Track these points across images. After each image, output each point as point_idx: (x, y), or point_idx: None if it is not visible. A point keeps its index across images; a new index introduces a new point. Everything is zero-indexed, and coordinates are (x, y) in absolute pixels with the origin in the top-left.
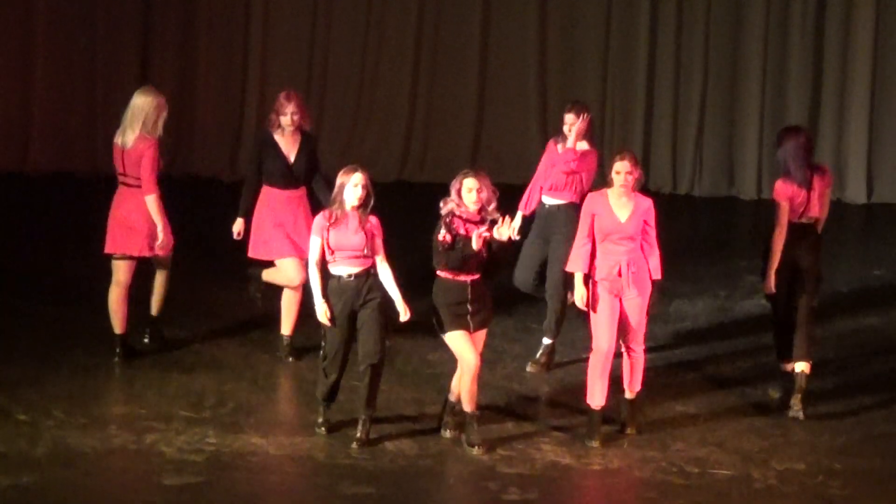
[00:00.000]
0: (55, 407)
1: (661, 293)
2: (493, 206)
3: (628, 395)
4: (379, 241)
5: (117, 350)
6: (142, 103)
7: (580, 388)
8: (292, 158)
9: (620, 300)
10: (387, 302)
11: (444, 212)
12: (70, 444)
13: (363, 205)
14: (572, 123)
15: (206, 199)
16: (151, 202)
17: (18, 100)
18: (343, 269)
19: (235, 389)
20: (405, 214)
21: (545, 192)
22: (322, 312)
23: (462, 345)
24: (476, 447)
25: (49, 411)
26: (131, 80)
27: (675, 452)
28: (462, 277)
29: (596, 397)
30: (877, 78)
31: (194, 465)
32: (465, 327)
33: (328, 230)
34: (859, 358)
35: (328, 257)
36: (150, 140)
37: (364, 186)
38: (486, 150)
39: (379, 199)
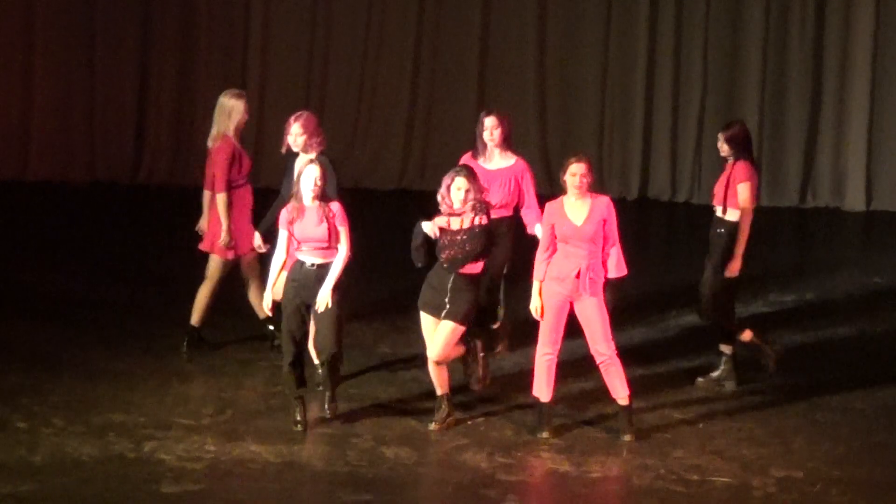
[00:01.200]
0: (54, 415)
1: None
2: (470, 203)
3: (621, 401)
4: (343, 230)
5: (185, 339)
6: (222, 103)
7: (579, 397)
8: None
9: (572, 304)
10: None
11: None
12: (69, 452)
13: (318, 197)
14: (494, 126)
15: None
16: (220, 200)
17: (18, 109)
18: (308, 257)
19: (234, 397)
20: (404, 223)
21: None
22: (267, 302)
23: (426, 331)
24: (432, 424)
25: (48, 419)
26: (130, 90)
27: (675, 460)
28: (447, 266)
29: (542, 392)
30: (876, 86)
31: (193, 473)
32: (436, 314)
33: (292, 223)
34: (859, 366)
35: (295, 247)
36: (226, 140)
37: (317, 180)
38: None
39: (378, 207)
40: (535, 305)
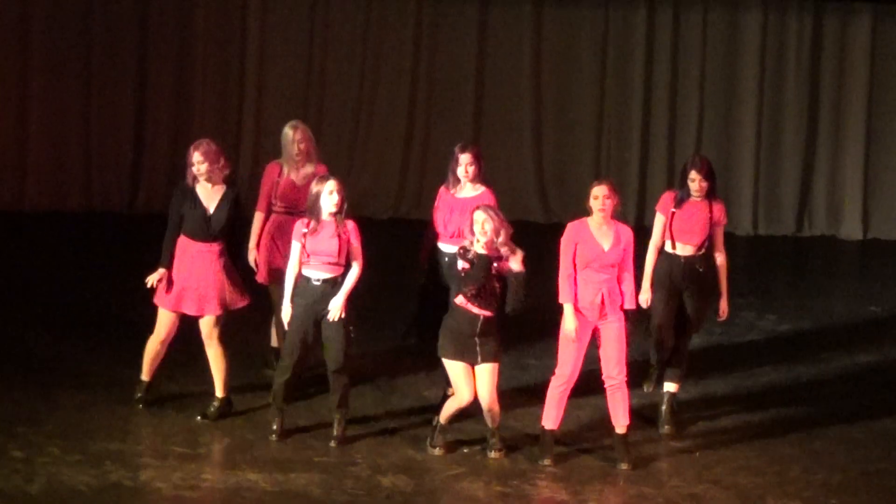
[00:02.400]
0: (50, 443)
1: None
2: (501, 238)
3: (619, 430)
4: (356, 246)
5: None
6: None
7: (576, 424)
8: (211, 210)
9: (596, 328)
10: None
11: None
12: (65, 481)
13: (339, 211)
14: (469, 163)
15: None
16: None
17: (14, 138)
18: (315, 272)
19: (230, 426)
20: (399, 252)
21: (449, 241)
22: (286, 314)
23: (460, 377)
24: (437, 448)
25: (44, 448)
26: (126, 119)
27: (672, 489)
28: (475, 310)
29: (551, 421)
30: (872, 114)
31: (190, 502)
32: (470, 360)
33: (305, 236)
34: (855, 394)
35: (304, 260)
36: (271, 163)
37: (338, 192)
38: None
39: (374, 236)
40: (570, 327)
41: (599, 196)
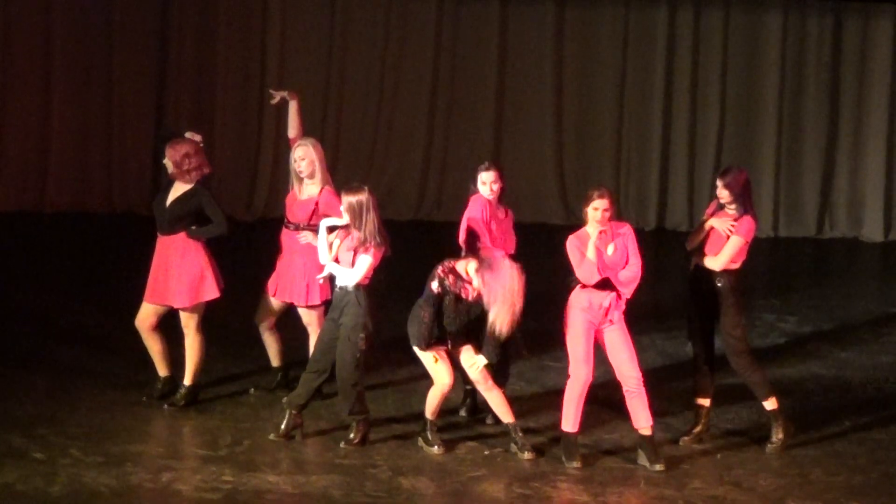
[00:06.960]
0: (72, 445)
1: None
2: (485, 299)
3: (644, 431)
4: (364, 258)
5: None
6: None
7: (597, 426)
8: (167, 203)
9: (598, 333)
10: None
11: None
12: (86, 483)
13: (353, 226)
14: (493, 181)
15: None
16: None
17: (36, 139)
18: (339, 277)
19: (251, 428)
20: (420, 254)
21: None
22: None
23: (433, 365)
24: (436, 447)
25: (65, 450)
26: (147, 121)
27: (692, 491)
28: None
29: (570, 424)
30: (893, 115)
31: None
32: (440, 344)
33: (340, 238)
34: (876, 396)
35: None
36: None
37: (346, 209)
38: None
39: (394, 238)
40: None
41: (600, 209)
